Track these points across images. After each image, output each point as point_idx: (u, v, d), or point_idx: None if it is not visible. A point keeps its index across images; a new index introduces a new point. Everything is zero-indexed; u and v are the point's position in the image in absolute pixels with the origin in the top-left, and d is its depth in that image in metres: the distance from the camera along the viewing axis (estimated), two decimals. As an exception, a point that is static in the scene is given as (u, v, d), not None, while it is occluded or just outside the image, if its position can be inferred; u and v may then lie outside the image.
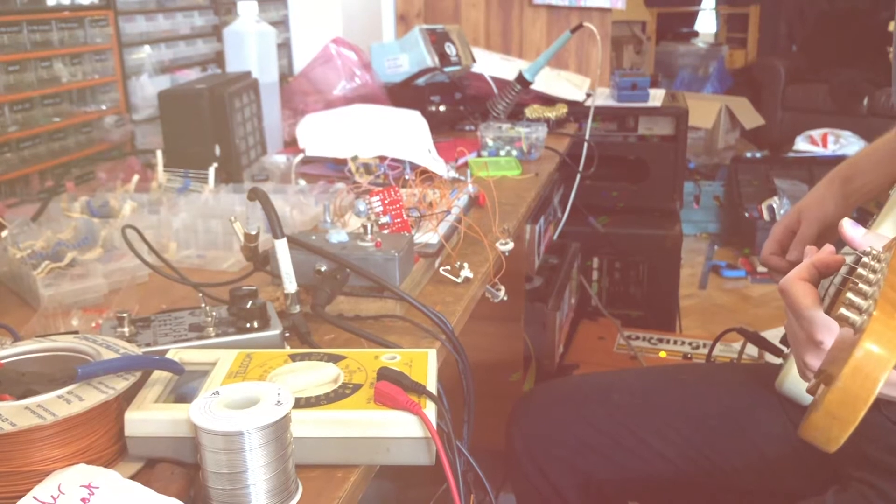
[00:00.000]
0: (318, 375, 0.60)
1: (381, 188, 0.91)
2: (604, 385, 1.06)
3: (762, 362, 1.71)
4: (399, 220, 0.90)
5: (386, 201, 0.89)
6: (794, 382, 0.91)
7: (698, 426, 0.97)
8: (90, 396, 0.53)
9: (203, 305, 0.69)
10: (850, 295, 0.49)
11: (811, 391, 0.57)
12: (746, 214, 3.39)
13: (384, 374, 0.58)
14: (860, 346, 0.46)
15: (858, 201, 1.00)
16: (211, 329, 0.67)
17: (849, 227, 0.63)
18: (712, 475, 0.96)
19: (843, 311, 0.49)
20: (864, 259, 0.52)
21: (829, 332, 0.59)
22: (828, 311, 0.59)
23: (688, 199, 3.54)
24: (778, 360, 1.03)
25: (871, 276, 0.50)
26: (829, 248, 0.65)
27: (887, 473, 0.82)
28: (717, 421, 0.97)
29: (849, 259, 0.58)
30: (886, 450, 0.83)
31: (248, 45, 1.36)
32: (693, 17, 5.86)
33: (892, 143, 1.00)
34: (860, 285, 0.49)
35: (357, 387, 0.58)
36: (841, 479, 0.86)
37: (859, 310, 0.48)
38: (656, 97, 2.16)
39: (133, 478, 0.53)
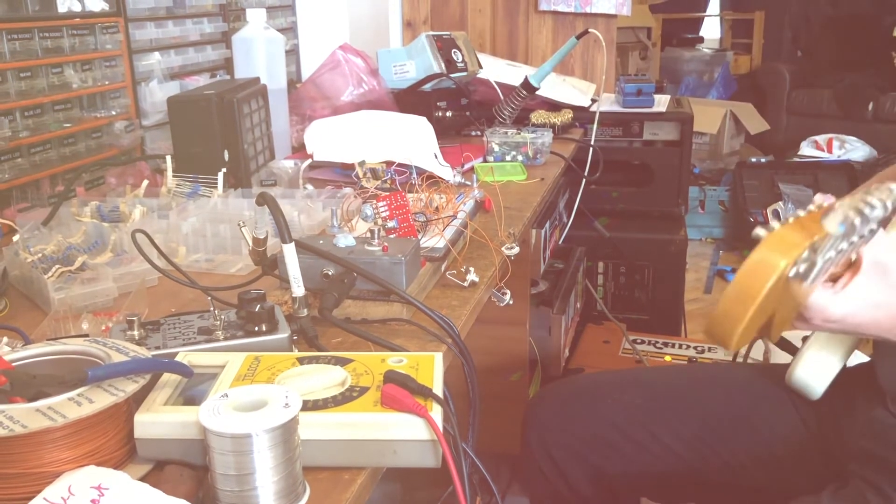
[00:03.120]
0: (326, 378, 0.60)
1: (387, 193, 0.92)
2: (617, 381, 1.09)
3: (770, 364, 1.71)
4: (406, 224, 0.91)
5: (393, 206, 0.90)
6: (803, 373, 0.91)
7: (708, 422, 0.99)
8: (100, 399, 0.53)
9: (212, 309, 0.70)
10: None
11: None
12: (751, 219, 3.39)
13: (391, 377, 0.59)
14: (757, 249, 0.53)
15: None
16: (220, 332, 0.68)
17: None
18: (721, 471, 0.97)
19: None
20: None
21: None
22: None
23: (693, 204, 3.54)
24: (787, 357, 1.04)
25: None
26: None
27: (888, 471, 0.82)
28: (727, 418, 0.98)
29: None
30: (890, 447, 0.83)
31: (257, 52, 1.37)
32: (698, 22, 5.86)
33: None
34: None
35: (364, 390, 0.59)
36: (844, 476, 0.87)
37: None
38: (661, 103, 2.17)
39: (142, 479, 0.54)
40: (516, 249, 0.97)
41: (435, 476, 0.60)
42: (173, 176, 1.13)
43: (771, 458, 0.95)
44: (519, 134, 1.47)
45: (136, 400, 0.57)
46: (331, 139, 1.34)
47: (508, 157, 1.46)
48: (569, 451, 1.03)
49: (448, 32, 1.72)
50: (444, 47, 1.66)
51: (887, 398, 0.85)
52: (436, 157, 1.30)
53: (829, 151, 3.95)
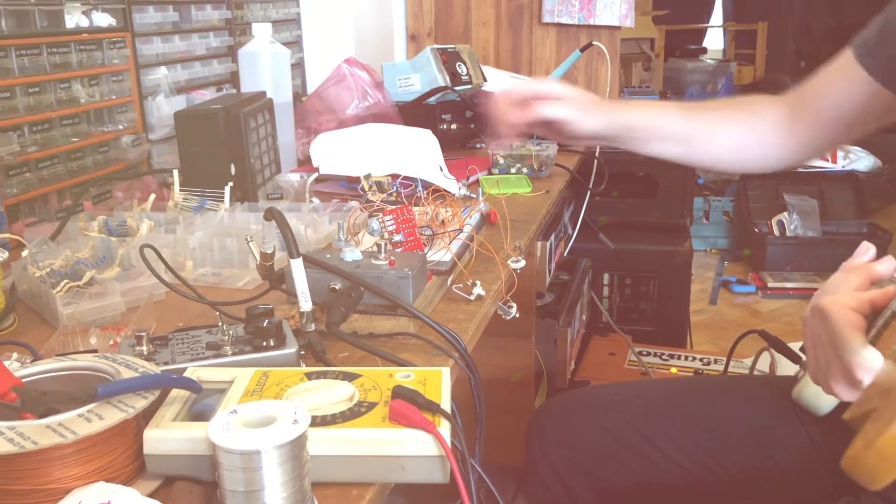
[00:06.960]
0: (334, 394, 0.60)
1: (394, 207, 0.92)
2: (621, 393, 1.08)
3: (776, 376, 1.71)
4: (412, 238, 0.91)
5: (399, 220, 0.90)
6: (813, 394, 0.91)
7: (713, 435, 0.98)
8: (110, 415, 0.53)
9: (220, 324, 0.70)
10: None
11: (852, 420, 0.57)
12: (756, 230, 3.39)
13: (399, 393, 0.59)
14: None
15: None
16: (228, 347, 0.68)
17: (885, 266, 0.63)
18: (726, 484, 0.97)
19: None
20: None
21: (870, 371, 0.59)
22: (872, 343, 0.59)
23: (697, 215, 3.54)
24: (794, 369, 1.03)
25: None
26: (891, 290, 0.65)
27: None
28: (732, 430, 0.98)
29: None
30: None
31: (263, 66, 1.38)
32: (701, 34, 5.88)
33: None
34: None
35: (372, 405, 0.59)
36: (853, 489, 0.86)
37: None
38: (666, 114, 2.16)
39: (151, 496, 0.54)
40: (522, 263, 0.97)
41: (441, 490, 0.59)
42: (180, 190, 1.14)
43: (776, 471, 0.95)
44: (524, 146, 1.48)
45: (146, 416, 0.57)
46: (336, 152, 1.34)
47: (513, 170, 1.46)
48: (572, 464, 1.02)
49: (452, 45, 1.73)
50: (448, 60, 1.66)
51: None
52: (441, 170, 1.30)
53: (834, 162, 3.94)
